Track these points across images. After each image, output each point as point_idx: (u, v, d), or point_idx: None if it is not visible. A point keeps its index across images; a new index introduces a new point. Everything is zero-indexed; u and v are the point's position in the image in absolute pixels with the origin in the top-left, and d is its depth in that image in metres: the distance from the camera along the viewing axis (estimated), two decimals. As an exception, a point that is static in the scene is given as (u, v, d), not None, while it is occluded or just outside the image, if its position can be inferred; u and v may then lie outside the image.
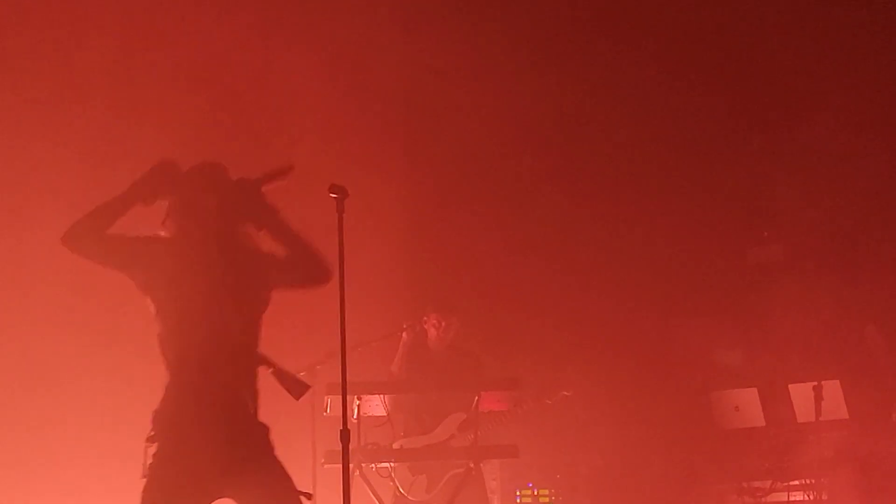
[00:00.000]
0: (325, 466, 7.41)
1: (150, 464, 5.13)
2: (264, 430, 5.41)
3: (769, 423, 9.01)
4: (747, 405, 9.02)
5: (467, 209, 9.88)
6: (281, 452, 8.65)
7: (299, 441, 8.09)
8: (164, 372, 5.25)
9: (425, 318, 8.42)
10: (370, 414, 7.84)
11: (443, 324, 8.38)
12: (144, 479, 5.12)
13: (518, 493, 9.25)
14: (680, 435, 9.18)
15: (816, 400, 8.58)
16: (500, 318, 9.81)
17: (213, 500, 5.22)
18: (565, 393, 8.21)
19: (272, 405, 8.68)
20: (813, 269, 9.55)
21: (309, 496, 5.27)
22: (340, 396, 5.78)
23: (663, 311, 9.74)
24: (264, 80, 9.27)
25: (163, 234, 5.33)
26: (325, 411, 7.61)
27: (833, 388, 8.65)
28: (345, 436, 5.77)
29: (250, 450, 5.27)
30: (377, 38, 9.51)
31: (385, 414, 7.88)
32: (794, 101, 9.77)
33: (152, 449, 5.15)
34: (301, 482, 7.95)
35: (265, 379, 5.49)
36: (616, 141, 9.94)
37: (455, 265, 9.84)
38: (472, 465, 7.77)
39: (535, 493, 9.23)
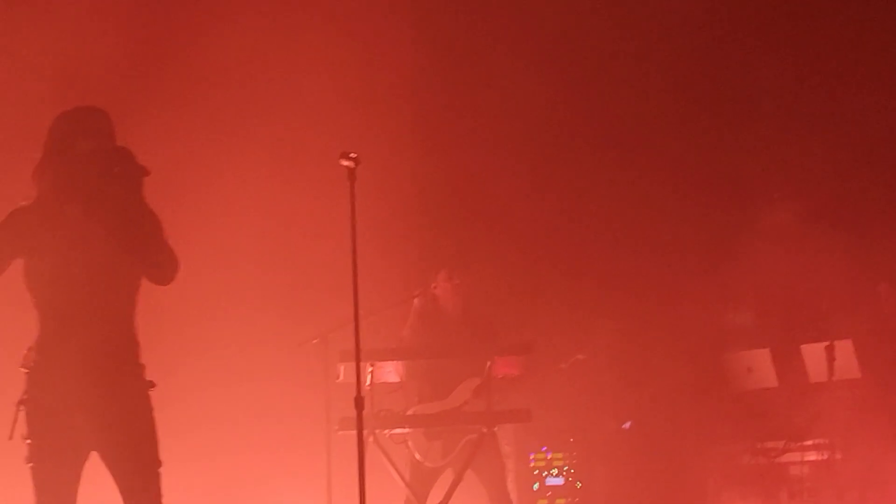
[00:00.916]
0: (340, 433, 7.44)
1: (28, 429, 5.00)
2: (143, 386, 5.15)
3: (782, 383, 9.02)
4: (760, 366, 9.03)
5: (477, 174, 9.85)
6: (295, 419, 8.74)
7: (313, 408, 8.14)
8: (34, 330, 5.10)
9: (435, 280, 8.38)
10: (383, 381, 7.86)
11: (453, 279, 8.33)
12: (27, 443, 4.98)
13: (532, 457, 9.28)
14: (693, 397, 9.18)
15: (829, 360, 8.57)
16: (513, 282, 9.80)
17: (87, 455, 5.10)
18: (579, 357, 8.21)
19: (286, 373, 8.78)
20: (825, 228, 9.53)
21: (159, 464, 5.06)
22: (354, 363, 5.82)
23: (675, 272, 9.72)
24: (276, 48, 9.24)
25: (25, 201, 5.09)
26: (339, 378, 7.63)
27: (845, 348, 8.64)
28: (359, 403, 5.79)
29: (123, 409, 5.06)
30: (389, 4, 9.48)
31: (398, 380, 7.89)
32: (808, 60, 9.72)
33: (24, 412, 5.02)
34: (315, 449, 8.04)
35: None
36: (628, 99, 9.91)
37: (466, 231, 9.83)
38: (485, 431, 7.80)
39: (549, 456, 9.26)
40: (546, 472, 9.25)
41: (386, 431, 7.74)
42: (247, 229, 9.05)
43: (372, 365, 7.60)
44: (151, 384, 5.17)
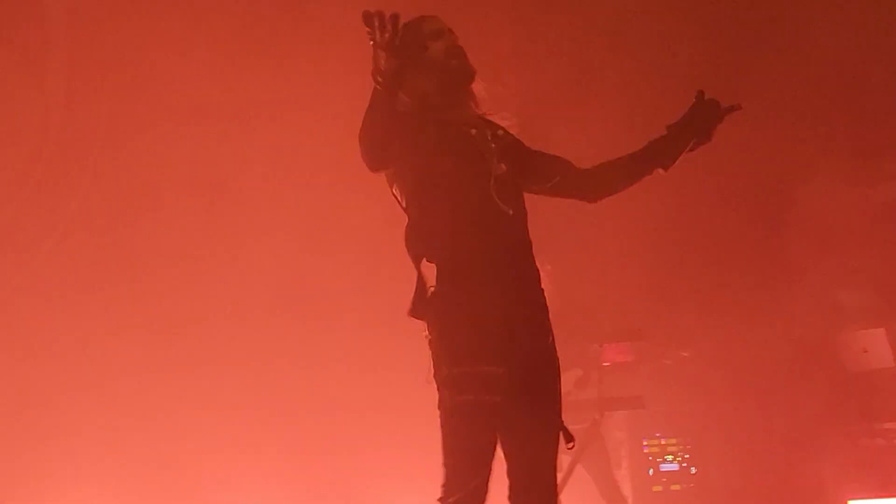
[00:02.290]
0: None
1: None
2: (552, 352, 4.44)
3: (900, 363, 8.86)
4: (875, 346, 8.86)
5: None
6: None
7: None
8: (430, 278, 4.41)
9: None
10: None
11: (545, 266, 8.28)
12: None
13: (646, 443, 9.24)
14: (808, 378, 9.05)
15: (948, 337, 8.42)
16: (616, 266, 9.65)
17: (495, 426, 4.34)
18: (683, 354, 8.14)
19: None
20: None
21: (559, 436, 4.37)
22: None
23: (787, 250, 9.53)
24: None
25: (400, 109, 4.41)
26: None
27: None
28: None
29: (532, 376, 4.35)
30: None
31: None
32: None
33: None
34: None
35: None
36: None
37: (567, 220, 9.70)
38: (597, 418, 7.79)
39: (663, 441, 9.21)
40: (660, 458, 9.21)
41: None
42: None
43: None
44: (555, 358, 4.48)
